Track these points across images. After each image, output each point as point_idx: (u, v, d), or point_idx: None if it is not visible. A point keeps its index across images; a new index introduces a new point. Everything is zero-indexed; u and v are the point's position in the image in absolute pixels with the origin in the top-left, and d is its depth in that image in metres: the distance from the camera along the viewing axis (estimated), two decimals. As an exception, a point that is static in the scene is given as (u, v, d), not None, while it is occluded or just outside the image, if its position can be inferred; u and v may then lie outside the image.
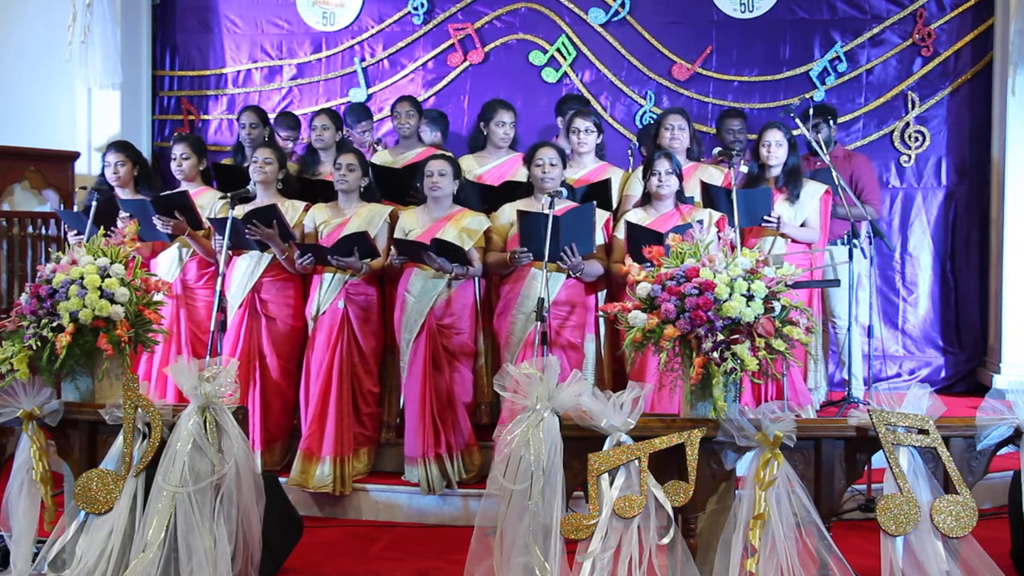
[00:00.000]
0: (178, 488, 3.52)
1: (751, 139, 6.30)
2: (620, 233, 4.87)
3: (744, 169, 5.36)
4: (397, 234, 4.93)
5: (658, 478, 3.40)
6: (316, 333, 4.99)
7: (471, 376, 5.03)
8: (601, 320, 4.95)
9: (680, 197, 4.97)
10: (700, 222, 4.01)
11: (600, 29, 7.08)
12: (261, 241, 4.90)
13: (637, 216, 4.88)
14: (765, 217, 5.17)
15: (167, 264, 5.34)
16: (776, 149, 5.28)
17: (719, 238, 3.80)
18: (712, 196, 5.07)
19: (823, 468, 3.52)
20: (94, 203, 4.90)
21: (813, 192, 5.39)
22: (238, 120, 6.29)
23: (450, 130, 6.48)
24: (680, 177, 4.91)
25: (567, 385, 3.49)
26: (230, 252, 4.72)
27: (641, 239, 4.54)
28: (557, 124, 6.26)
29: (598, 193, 5.14)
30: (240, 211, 4.81)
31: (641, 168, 5.40)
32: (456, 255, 4.70)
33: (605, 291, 5.09)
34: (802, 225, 5.32)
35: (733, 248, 3.80)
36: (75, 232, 5.30)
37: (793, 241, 5.34)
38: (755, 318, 3.48)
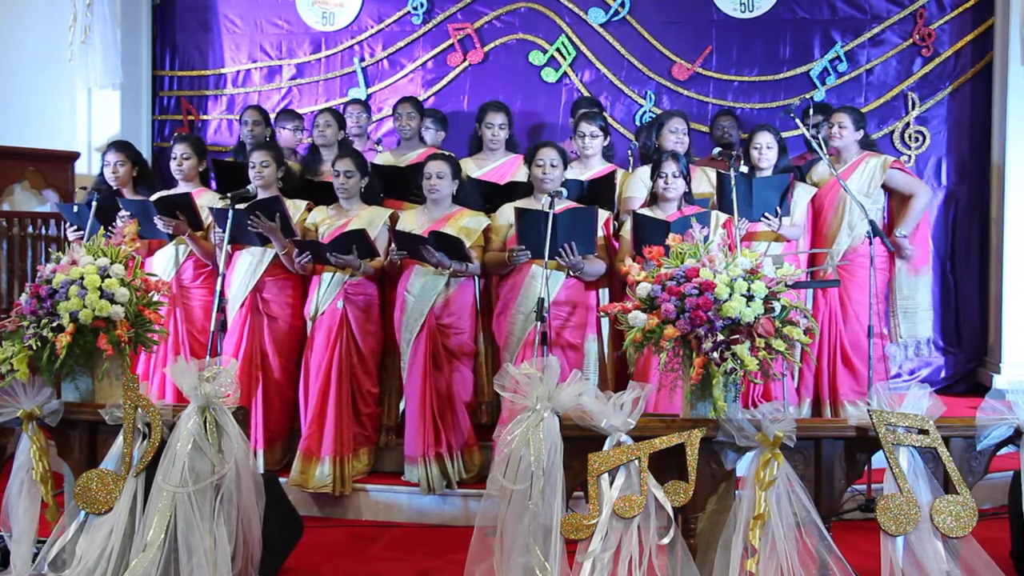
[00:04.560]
0: (178, 488, 3.52)
1: (743, 139, 6.31)
2: (625, 233, 4.86)
3: (744, 168, 5.38)
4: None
5: (658, 478, 3.40)
6: (315, 333, 4.99)
7: (471, 376, 5.03)
8: (604, 320, 4.95)
9: (687, 199, 4.98)
10: (704, 224, 4.00)
11: (600, 29, 7.08)
12: (262, 235, 4.90)
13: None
14: (766, 215, 5.19)
15: (163, 263, 5.34)
16: (767, 151, 5.35)
17: (721, 238, 3.81)
18: (726, 186, 5.07)
19: (823, 468, 3.52)
20: (94, 202, 4.91)
21: (805, 193, 5.49)
22: (240, 119, 6.29)
23: (451, 130, 6.48)
24: (687, 179, 4.92)
25: (567, 385, 3.49)
26: (229, 247, 4.73)
27: (649, 229, 4.55)
28: (569, 126, 6.26)
29: (602, 188, 5.15)
30: (243, 204, 4.80)
31: (640, 169, 5.43)
32: (455, 250, 4.69)
33: (607, 290, 5.10)
34: (791, 224, 5.39)
35: (733, 248, 3.80)
36: (74, 228, 5.32)
37: (786, 241, 5.38)
38: (755, 318, 3.48)
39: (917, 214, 5.55)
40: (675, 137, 5.41)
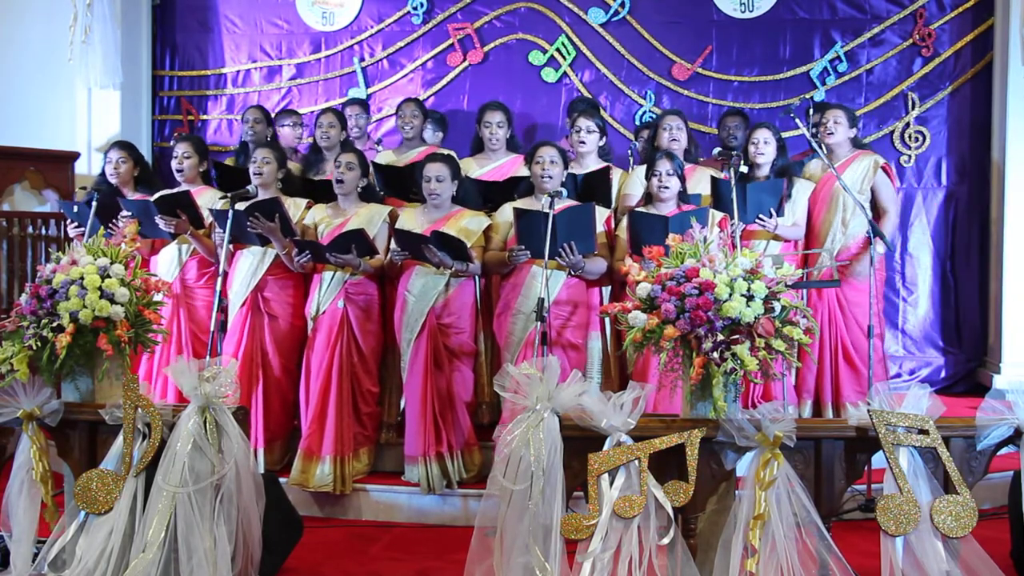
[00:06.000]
0: (178, 488, 3.52)
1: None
2: (622, 232, 4.87)
3: (745, 169, 5.38)
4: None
5: (658, 478, 3.40)
6: (316, 333, 4.99)
7: (472, 375, 5.03)
8: (608, 318, 4.94)
9: (683, 198, 4.97)
10: (701, 223, 4.00)
11: (600, 29, 7.08)
12: (262, 235, 4.90)
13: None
14: (760, 216, 5.20)
15: (167, 263, 5.35)
16: (763, 147, 5.35)
17: (721, 238, 3.81)
18: (721, 190, 5.08)
19: (823, 468, 3.52)
20: (94, 201, 4.92)
21: (804, 190, 5.48)
22: (242, 119, 6.31)
23: (451, 130, 6.49)
24: (682, 178, 4.91)
25: (567, 385, 3.49)
26: (231, 247, 4.73)
27: (646, 227, 4.54)
28: (565, 126, 6.26)
29: (597, 183, 5.15)
30: (242, 204, 4.82)
31: (639, 168, 5.42)
32: (457, 250, 4.69)
33: (609, 288, 5.10)
34: (791, 224, 5.39)
35: (734, 247, 3.80)
36: (75, 224, 5.33)
37: (785, 241, 5.38)
38: (755, 318, 3.48)
39: (889, 231, 5.56)
40: (668, 135, 5.39)
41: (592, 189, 5.11)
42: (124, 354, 3.95)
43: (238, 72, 7.49)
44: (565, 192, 4.75)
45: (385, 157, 5.91)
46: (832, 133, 5.50)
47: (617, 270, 4.70)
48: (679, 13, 7.03)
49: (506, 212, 4.93)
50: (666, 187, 4.84)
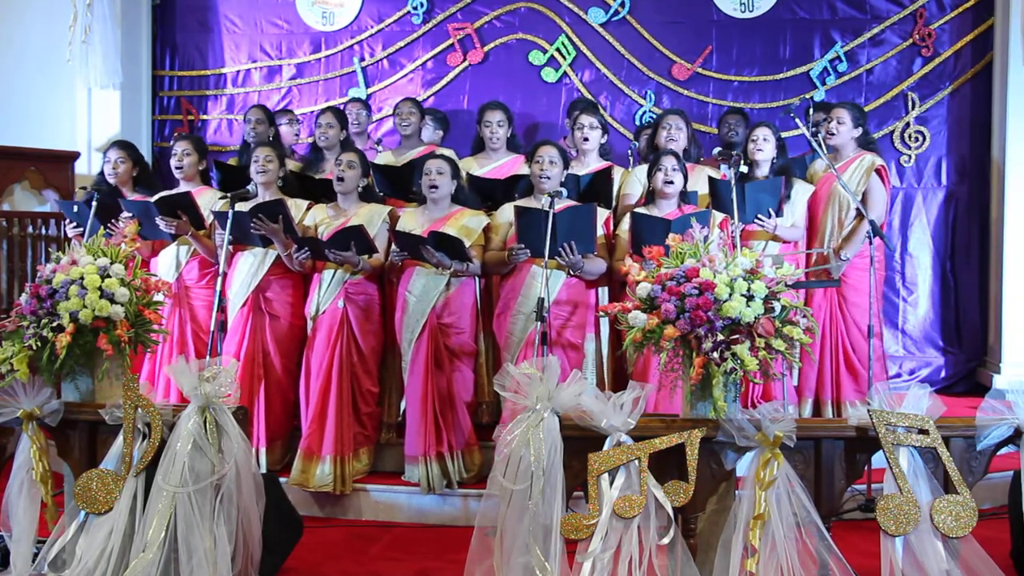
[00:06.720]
0: (178, 488, 3.52)
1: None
2: (622, 232, 4.87)
3: (744, 168, 5.38)
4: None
5: (658, 478, 3.40)
6: (316, 332, 5.00)
7: (472, 375, 5.03)
8: (603, 319, 4.95)
9: (684, 197, 4.97)
10: (703, 224, 4.00)
11: (600, 29, 7.08)
12: (264, 237, 4.91)
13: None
14: (759, 216, 5.19)
15: (167, 264, 5.35)
16: (763, 143, 5.33)
17: (720, 238, 3.81)
18: (719, 190, 5.07)
19: (823, 468, 3.52)
20: (94, 201, 4.92)
21: (803, 191, 5.46)
22: (244, 119, 6.31)
23: (451, 130, 6.49)
24: (686, 176, 4.91)
25: (567, 385, 3.49)
26: (231, 248, 4.72)
27: (648, 228, 4.54)
28: (565, 126, 6.25)
29: (600, 184, 5.15)
30: (247, 205, 4.82)
31: (639, 168, 5.42)
32: (455, 250, 4.69)
33: (607, 289, 5.10)
34: (790, 224, 5.38)
35: (734, 247, 3.80)
36: (74, 224, 5.33)
37: (783, 241, 5.37)
38: (755, 318, 3.48)
39: (861, 240, 5.35)
40: (666, 133, 5.37)
41: (596, 188, 5.11)
42: (124, 354, 3.94)
43: (238, 72, 7.49)
44: (565, 192, 4.76)
45: (384, 158, 5.91)
46: (834, 134, 5.46)
47: (617, 270, 4.70)
48: (679, 13, 7.03)
49: (506, 212, 4.93)
50: (671, 182, 4.83)
